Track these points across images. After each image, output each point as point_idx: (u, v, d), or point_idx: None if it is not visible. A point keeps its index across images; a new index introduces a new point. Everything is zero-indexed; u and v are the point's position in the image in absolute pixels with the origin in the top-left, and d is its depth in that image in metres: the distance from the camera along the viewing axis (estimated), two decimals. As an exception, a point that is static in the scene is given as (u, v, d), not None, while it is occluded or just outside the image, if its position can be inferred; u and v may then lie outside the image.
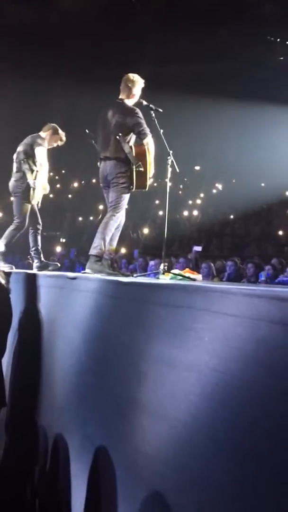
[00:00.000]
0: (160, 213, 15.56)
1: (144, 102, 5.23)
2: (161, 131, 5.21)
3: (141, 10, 13.79)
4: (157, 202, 15.89)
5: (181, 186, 19.16)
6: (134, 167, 4.94)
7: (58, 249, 13.89)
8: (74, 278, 4.10)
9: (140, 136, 5.01)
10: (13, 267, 6.04)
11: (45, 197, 6.26)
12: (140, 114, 5.06)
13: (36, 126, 6.38)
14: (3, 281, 3.47)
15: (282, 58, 14.85)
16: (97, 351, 3.30)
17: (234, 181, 19.07)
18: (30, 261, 6.44)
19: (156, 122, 5.23)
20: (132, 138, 5.07)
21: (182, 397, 2.29)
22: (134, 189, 5.05)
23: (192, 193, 18.98)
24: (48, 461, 3.81)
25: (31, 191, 5.98)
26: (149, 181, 5.15)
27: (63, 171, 21.32)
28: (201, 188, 19.41)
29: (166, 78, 16.14)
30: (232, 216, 15.77)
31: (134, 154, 4.95)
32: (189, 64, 15.90)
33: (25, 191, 6.00)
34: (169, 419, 2.35)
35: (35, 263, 6.23)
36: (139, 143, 5.06)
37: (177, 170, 5.24)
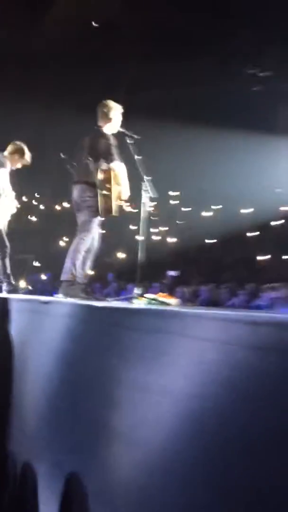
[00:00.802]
0: (135, 237, 15.57)
1: (120, 129, 5.27)
2: (139, 157, 5.23)
3: (121, 37, 13.99)
4: (132, 226, 15.93)
5: (158, 214, 19.25)
6: (99, 191, 4.97)
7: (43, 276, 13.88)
8: (46, 303, 4.05)
9: (107, 161, 5.05)
10: None
11: (18, 219, 6.19)
12: (111, 141, 5.10)
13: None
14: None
15: (255, 89, 15.14)
16: (69, 376, 3.24)
17: (212, 206, 19.23)
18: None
19: (131, 148, 5.26)
20: (102, 164, 5.09)
21: (157, 422, 2.25)
22: (101, 214, 5.04)
23: (169, 218, 19.08)
24: (16, 488, 3.71)
25: None
26: (117, 206, 5.14)
27: (36, 194, 21.28)
28: (178, 213, 19.53)
29: (146, 104, 16.33)
30: (208, 241, 15.87)
31: (100, 178, 4.98)
32: (169, 91, 16.11)
33: None
34: (142, 445, 2.31)
35: (4, 287, 6.12)
36: (107, 168, 5.09)
37: (153, 195, 5.26)
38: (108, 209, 5.05)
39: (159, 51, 13.92)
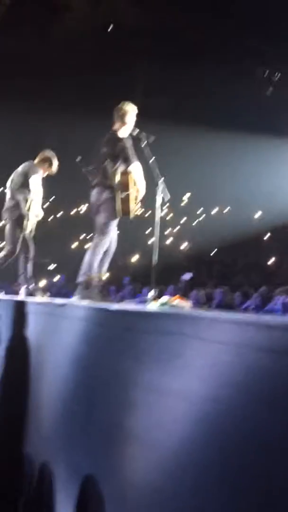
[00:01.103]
0: (150, 240, 15.62)
1: (135, 130, 5.30)
2: (153, 158, 5.28)
3: (134, 42, 14.06)
4: (147, 229, 15.97)
5: (171, 214, 19.27)
6: (116, 193, 5.01)
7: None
8: (62, 305, 4.09)
9: (125, 162, 5.10)
10: (3, 292, 6.03)
11: (41, 224, 6.31)
12: (128, 144, 5.13)
13: (27, 155, 6.40)
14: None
15: (269, 92, 15.12)
16: (85, 379, 3.27)
17: (224, 210, 19.24)
18: (18, 288, 6.44)
19: (146, 149, 5.30)
20: (120, 166, 5.13)
21: (172, 425, 2.27)
22: (118, 216, 5.08)
23: (182, 221, 19.10)
24: (33, 490, 3.74)
25: (25, 221, 6.02)
26: (135, 208, 5.18)
27: (54, 198, 21.41)
28: (191, 216, 19.56)
29: (160, 109, 16.39)
30: (221, 245, 15.85)
31: (117, 181, 5.01)
32: (180, 96, 16.16)
33: (18, 220, 6.04)
34: (158, 448, 2.33)
35: (22, 290, 6.21)
36: (124, 170, 5.12)
37: (168, 197, 5.30)
38: (126, 211, 5.09)
39: (171, 55, 13.96)
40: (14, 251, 6.08)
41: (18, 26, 13.51)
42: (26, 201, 6.04)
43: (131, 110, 5.30)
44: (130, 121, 5.29)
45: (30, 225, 6.08)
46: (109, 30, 13.94)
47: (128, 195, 5.05)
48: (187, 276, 10.81)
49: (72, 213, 19.63)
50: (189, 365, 2.24)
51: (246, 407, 1.87)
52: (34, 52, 14.88)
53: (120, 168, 5.15)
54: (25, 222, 6.03)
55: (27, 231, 6.09)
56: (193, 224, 19.29)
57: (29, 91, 15.64)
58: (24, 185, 6.09)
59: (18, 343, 4.29)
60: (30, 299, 5.40)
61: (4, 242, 6.19)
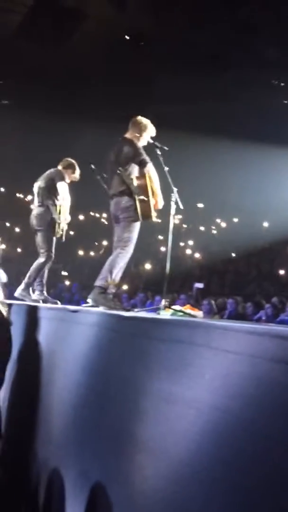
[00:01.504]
0: (163, 249, 15.64)
1: (150, 140, 5.30)
2: (167, 169, 5.26)
3: (148, 53, 14.13)
4: (160, 237, 16.00)
5: (184, 226, 19.29)
6: (136, 197, 4.92)
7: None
8: (75, 311, 4.11)
9: (140, 165, 5.01)
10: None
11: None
12: (139, 145, 5.07)
13: (42, 163, 6.47)
14: (4, 313, 3.48)
15: (286, 101, 15.13)
16: (96, 385, 3.28)
17: (236, 219, 19.22)
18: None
19: (161, 159, 5.30)
20: (134, 170, 5.06)
21: (182, 434, 2.27)
22: (140, 220, 4.97)
23: (195, 230, 19.10)
24: (43, 496, 3.75)
25: (56, 226, 6.10)
26: (155, 211, 5.10)
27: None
28: (203, 225, 19.54)
29: (172, 118, 16.43)
30: (234, 254, 15.82)
31: (135, 185, 4.95)
32: (194, 105, 16.21)
33: (50, 225, 6.11)
34: (168, 457, 2.33)
35: (36, 295, 6.24)
36: (141, 173, 5.06)
37: (181, 207, 5.29)
38: (147, 215, 4.98)
39: (186, 65, 14.02)
40: (50, 257, 6.17)
41: (36, 33, 13.62)
42: (55, 206, 6.12)
43: (150, 127, 5.22)
44: (145, 137, 5.20)
45: (60, 230, 6.15)
46: (127, 38, 14.00)
47: (148, 198, 4.93)
48: (199, 284, 10.80)
49: (80, 218, 19.65)
50: (200, 374, 2.24)
51: (257, 420, 1.87)
52: (51, 59, 15.01)
53: (135, 172, 5.07)
54: (56, 227, 6.11)
55: (58, 236, 6.18)
56: (206, 233, 19.27)
57: (44, 99, 15.81)
58: (51, 190, 6.16)
59: (31, 348, 4.32)
60: (42, 305, 5.43)
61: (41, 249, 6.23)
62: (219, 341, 2.22)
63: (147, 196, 4.94)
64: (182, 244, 16.88)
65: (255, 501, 1.80)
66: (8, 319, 3.53)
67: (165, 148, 5.35)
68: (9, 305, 4.43)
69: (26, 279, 6.14)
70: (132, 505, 2.54)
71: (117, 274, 4.96)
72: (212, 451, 2.06)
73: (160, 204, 5.11)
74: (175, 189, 5.23)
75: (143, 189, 4.96)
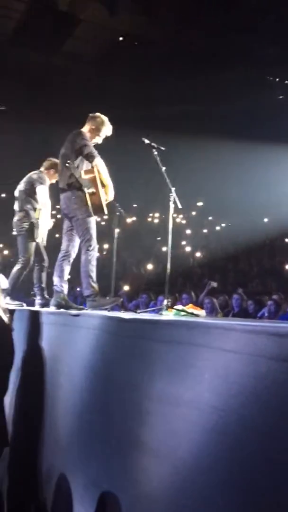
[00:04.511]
0: (164, 249, 15.67)
1: (146, 141, 5.28)
2: (164, 168, 5.26)
3: (144, 54, 14.15)
4: (159, 238, 16.01)
5: (183, 222, 19.29)
6: (86, 190, 4.85)
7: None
8: (76, 315, 4.12)
9: (88, 158, 4.92)
10: (24, 304, 6.04)
11: (50, 233, 6.31)
12: (86, 137, 5.00)
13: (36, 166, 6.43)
14: (6, 319, 3.48)
15: (281, 97, 15.13)
16: (99, 389, 3.29)
17: (236, 216, 19.23)
18: (34, 298, 6.46)
19: (158, 160, 5.29)
20: (83, 164, 4.99)
21: (184, 434, 2.28)
22: (93, 214, 4.87)
23: (195, 228, 19.10)
24: (51, 502, 3.75)
25: (35, 230, 6.03)
26: (106, 204, 4.96)
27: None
28: (204, 224, 19.55)
29: (171, 118, 16.46)
30: (235, 252, 15.82)
31: (85, 179, 4.87)
32: (192, 105, 16.23)
33: (29, 230, 6.04)
34: (171, 459, 2.34)
35: (37, 300, 6.23)
36: (88, 168, 4.97)
37: (179, 207, 5.28)
38: (99, 208, 4.91)
39: (183, 65, 14.03)
40: (28, 263, 6.08)
41: (29, 37, 13.65)
42: (35, 210, 6.06)
43: (107, 125, 5.15)
44: (102, 134, 5.14)
45: (41, 234, 6.09)
46: (120, 39, 14.02)
47: (97, 191, 4.83)
48: (214, 283, 10.71)
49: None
50: (200, 375, 2.25)
51: (257, 417, 1.87)
52: (45, 62, 15.04)
53: (84, 166, 4.97)
54: (35, 231, 6.04)
55: (39, 240, 6.11)
56: (206, 231, 19.28)
57: (35, 101, 15.81)
58: (31, 195, 6.11)
59: (33, 354, 4.32)
60: (44, 310, 5.43)
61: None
62: (217, 340, 2.22)
63: (97, 189, 4.86)
64: (183, 243, 16.89)
65: (257, 499, 1.81)
66: (10, 325, 3.53)
67: (162, 148, 5.35)
68: (11, 312, 4.45)
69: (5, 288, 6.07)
70: (137, 507, 2.55)
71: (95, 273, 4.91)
72: (214, 450, 2.07)
73: (111, 196, 5.02)
74: (172, 189, 5.22)
75: (92, 182, 4.87)
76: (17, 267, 6.08)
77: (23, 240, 6.10)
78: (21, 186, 6.21)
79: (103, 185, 4.97)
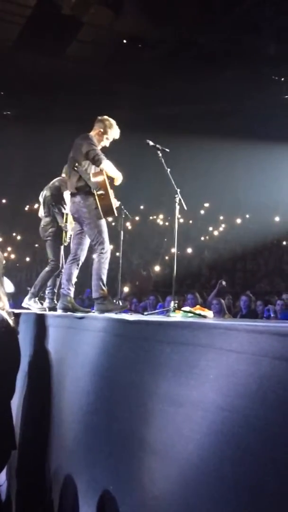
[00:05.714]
0: (173, 250, 15.69)
1: (151, 143, 5.29)
2: (168, 170, 5.25)
3: (148, 55, 14.17)
4: (167, 239, 16.00)
5: (190, 222, 19.26)
6: (95, 192, 4.85)
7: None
8: (82, 318, 4.12)
9: (95, 163, 4.93)
10: (46, 308, 6.10)
11: None
12: (94, 141, 5.01)
13: (43, 172, 6.48)
14: (11, 322, 3.48)
15: (287, 96, 15.10)
16: (104, 391, 3.28)
17: (245, 216, 19.18)
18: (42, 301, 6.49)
19: (163, 161, 5.29)
20: (92, 166, 5.00)
21: (189, 436, 2.27)
22: (103, 216, 4.89)
23: (202, 229, 19.08)
24: (58, 504, 3.75)
25: (64, 234, 6.11)
26: (116, 206, 5.01)
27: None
28: (211, 225, 19.52)
29: (175, 119, 16.47)
30: (243, 252, 15.78)
31: (94, 181, 4.88)
32: (197, 105, 16.23)
33: (57, 234, 6.12)
34: (177, 459, 2.33)
35: (46, 303, 6.25)
36: (96, 170, 4.98)
37: (185, 208, 5.27)
38: (109, 210, 4.91)
39: (188, 66, 14.03)
40: (57, 267, 6.17)
41: (34, 41, 13.73)
42: (62, 215, 6.13)
43: (115, 127, 5.15)
44: (110, 137, 5.15)
45: (68, 238, 6.18)
46: (124, 42, 14.05)
47: (107, 193, 4.84)
48: (224, 283, 10.69)
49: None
50: (205, 375, 2.24)
51: (263, 417, 1.86)
52: (52, 69, 15.11)
53: (92, 169, 4.98)
54: (63, 235, 6.12)
55: (66, 244, 6.19)
56: (214, 231, 19.25)
57: (40, 105, 15.87)
58: (57, 200, 6.18)
59: (39, 357, 4.33)
60: (50, 313, 5.44)
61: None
62: (221, 341, 2.21)
63: (106, 190, 4.87)
64: (190, 244, 16.88)
65: (263, 500, 1.79)
66: (15, 328, 3.54)
67: (166, 150, 5.35)
68: (18, 315, 4.46)
69: (32, 289, 6.15)
70: (143, 507, 2.54)
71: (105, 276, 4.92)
72: (219, 451, 2.05)
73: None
74: (178, 190, 5.21)
75: (101, 184, 4.87)
76: (46, 270, 6.18)
77: (51, 244, 6.19)
78: (47, 191, 6.28)
79: (111, 186, 4.99)
